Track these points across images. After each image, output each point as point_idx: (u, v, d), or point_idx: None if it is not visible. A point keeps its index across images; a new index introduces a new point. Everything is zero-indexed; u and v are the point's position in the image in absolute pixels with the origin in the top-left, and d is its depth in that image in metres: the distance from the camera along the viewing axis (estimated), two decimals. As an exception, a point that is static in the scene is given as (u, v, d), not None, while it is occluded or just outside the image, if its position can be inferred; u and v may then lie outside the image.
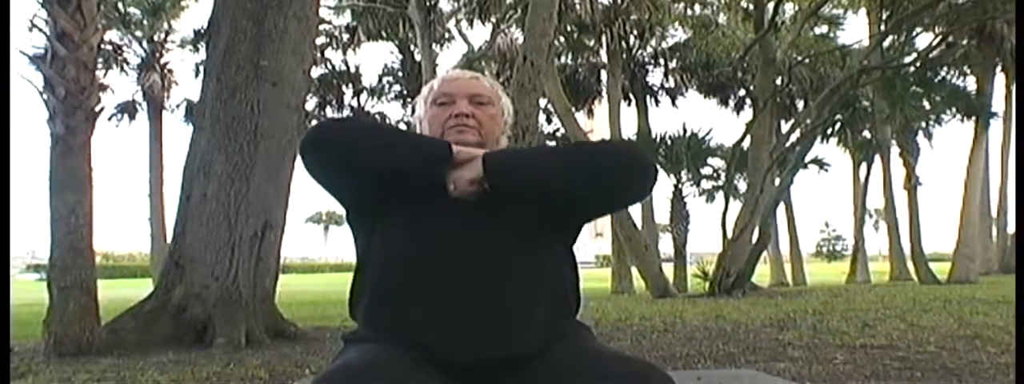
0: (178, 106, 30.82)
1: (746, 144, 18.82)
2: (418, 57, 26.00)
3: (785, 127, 23.94)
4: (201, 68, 13.91)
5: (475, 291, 1.85)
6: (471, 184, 1.86)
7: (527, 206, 1.90)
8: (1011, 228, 27.55)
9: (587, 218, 2.08)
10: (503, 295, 1.86)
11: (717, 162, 23.74)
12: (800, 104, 27.53)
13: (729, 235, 17.18)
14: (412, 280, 1.88)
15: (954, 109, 24.06)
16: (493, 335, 1.84)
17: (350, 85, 30.73)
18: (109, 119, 30.31)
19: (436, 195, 1.91)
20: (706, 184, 24.88)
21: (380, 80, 31.17)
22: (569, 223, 2.02)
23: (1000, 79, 25.70)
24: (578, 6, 23.94)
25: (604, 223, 30.72)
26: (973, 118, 23.94)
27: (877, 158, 28.53)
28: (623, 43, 26.33)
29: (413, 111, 2.15)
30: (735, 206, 18.41)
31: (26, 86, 7.83)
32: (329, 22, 27.17)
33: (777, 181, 20.86)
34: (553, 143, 28.65)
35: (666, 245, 26.21)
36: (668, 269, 20.70)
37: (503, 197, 1.90)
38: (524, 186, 1.86)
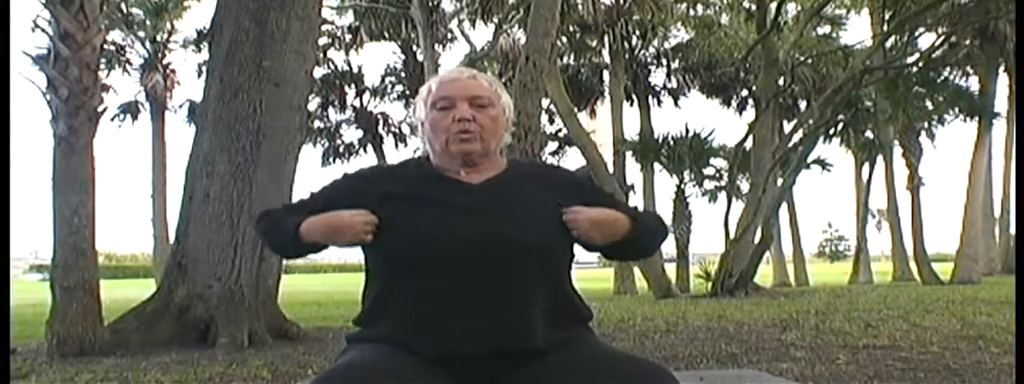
0: (181, 106, 30.83)
1: (749, 144, 18.80)
2: (421, 57, 25.99)
3: (788, 127, 23.96)
4: (204, 68, 13.89)
5: (478, 285, 1.88)
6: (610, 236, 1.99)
7: (537, 218, 1.96)
8: (1014, 228, 27.50)
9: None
10: (508, 291, 1.89)
11: (720, 162, 23.74)
12: (803, 104, 27.47)
13: (732, 235, 17.17)
14: (417, 278, 1.90)
15: (957, 109, 23.98)
16: (499, 328, 1.87)
17: (353, 85, 30.72)
18: (112, 120, 30.29)
19: (437, 204, 1.96)
20: (709, 184, 24.89)
21: (383, 80, 31.17)
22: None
23: (1003, 79, 25.64)
24: (580, 6, 23.93)
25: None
26: (976, 118, 23.89)
27: (880, 158, 28.51)
28: (625, 43, 26.30)
29: (414, 111, 2.15)
30: (738, 206, 18.38)
31: (29, 87, 7.85)
32: (331, 22, 27.16)
33: (780, 181, 20.86)
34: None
35: (669, 245, 26.18)
36: (670, 269, 20.69)
37: (511, 206, 1.97)
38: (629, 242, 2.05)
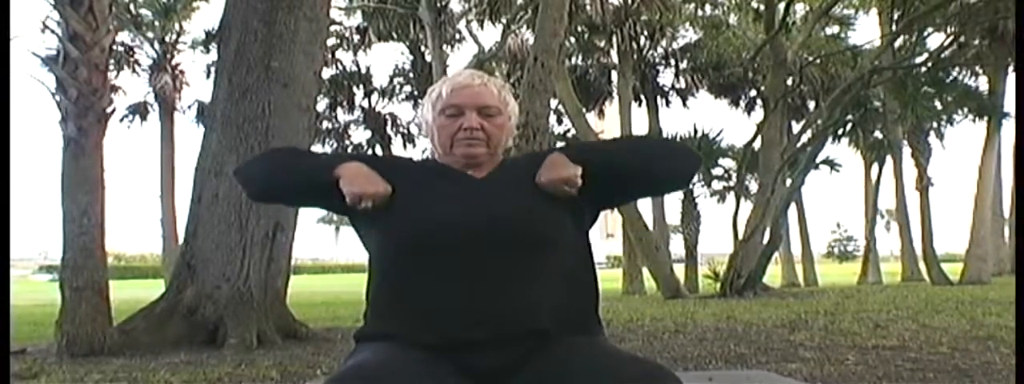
0: (189, 107, 30.85)
1: (757, 145, 18.79)
2: (429, 58, 26.02)
3: (796, 128, 23.89)
4: (212, 69, 13.94)
5: (483, 272, 1.90)
6: (573, 180, 1.95)
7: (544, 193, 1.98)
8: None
9: (624, 201, 2.32)
10: (511, 277, 1.90)
11: (728, 163, 23.76)
12: (811, 105, 27.42)
13: (740, 236, 17.15)
14: (421, 266, 1.92)
15: (966, 109, 23.96)
16: (501, 312, 1.88)
17: (361, 86, 30.74)
18: (121, 120, 30.37)
19: (441, 193, 2.00)
20: (717, 185, 24.93)
21: (391, 81, 31.18)
22: (590, 207, 2.06)
23: (1012, 79, 25.59)
24: (589, 7, 23.91)
25: (615, 224, 30.68)
26: (985, 118, 23.84)
27: (889, 158, 28.46)
28: (634, 44, 26.29)
29: (421, 110, 2.17)
30: (746, 207, 18.38)
31: (38, 88, 7.86)
32: (340, 23, 27.21)
33: (788, 182, 20.83)
34: (563, 144, 28.61)
35: (677, 246, 26.21)
36: (679, 270, 20.69)
37: (514, 195, 1.98)
38: (613, 170, 2.01)
